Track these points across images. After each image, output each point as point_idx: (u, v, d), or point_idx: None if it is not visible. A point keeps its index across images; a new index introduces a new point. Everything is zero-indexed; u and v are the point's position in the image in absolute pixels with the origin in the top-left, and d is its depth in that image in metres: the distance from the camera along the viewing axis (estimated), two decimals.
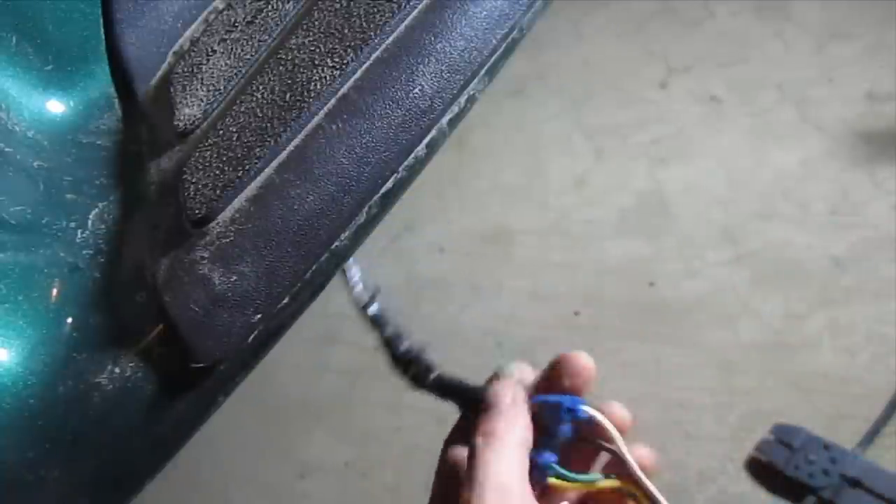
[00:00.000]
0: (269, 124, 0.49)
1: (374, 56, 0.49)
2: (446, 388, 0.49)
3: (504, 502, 0.37)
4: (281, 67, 0.51)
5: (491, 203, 1.38)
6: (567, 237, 1.27)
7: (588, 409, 0.42)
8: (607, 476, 0.43)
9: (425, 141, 0.50)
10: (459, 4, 0.49)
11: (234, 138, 0.49)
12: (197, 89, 0.52)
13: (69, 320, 0.48)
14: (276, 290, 0.48)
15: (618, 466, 0.42)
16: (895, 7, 1.29)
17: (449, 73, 0.49)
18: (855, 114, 1.21)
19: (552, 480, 0.42)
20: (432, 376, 0.50)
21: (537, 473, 0.42)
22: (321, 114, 0.48)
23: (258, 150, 0.48)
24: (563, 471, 0.42)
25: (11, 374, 0.45)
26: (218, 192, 0.48)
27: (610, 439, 0.42)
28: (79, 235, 0.50)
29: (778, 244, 1.12)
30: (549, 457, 0.42)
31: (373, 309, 0.53)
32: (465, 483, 0.39)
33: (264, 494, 1.20)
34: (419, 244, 1.38)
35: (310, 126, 0.48)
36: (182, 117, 0.52)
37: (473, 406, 0.45)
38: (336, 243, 0.50)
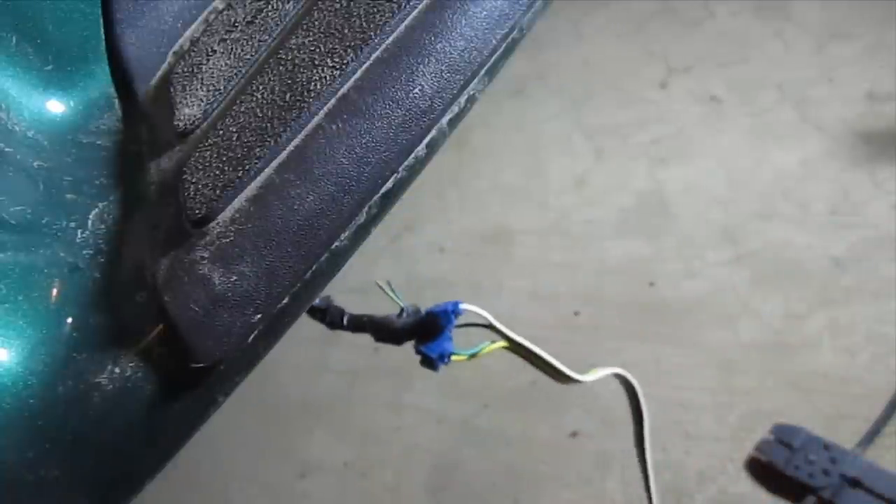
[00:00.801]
0: (269, 124, 0.49)
1: (374, 56, 0.49)
2: (357, 324, 0.66)
3: None
4: (281, 67, 0.50)
5: (491, 203, 1.38)
6: (567, 237, 1.27)
7: (464, 306, 0.61)
8: (491, 343, 0.63)
9: (425, 141, 0.50)
10: (459, 4, 0.49)
11: (234, 138, 0.49)
12: (197, 89, 0.52)
13: (69, 320, 0.48)
14: (276, 290, 0.48)
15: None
16: (895, 7, 1.29)
17: (449, 73, 0.49)
18: (855, 114, 1.21)
19: (454, 358, 0.60)
20: (345, 318, 0.67)
21: (442, 359, 0.59)
22: (321, 114, 0.48)
23: (258, 150, 0.48)
24: (460, 350, 0.61)
25: (11, 374, 0.45)
26: (218, 192, 0.48)
27: (483, 319, 0.61)
28: (79, 235, 0.50)
29: (778, 244, 1.12)
30: (449, 345, 0.60)
31: None
32: None
33: (264, 494, 1.20)
34: (419, 244, 1.38)
35: (310, 126, 0.48)
36: (182, 117, 0.52)
37: (380, 334, 0.64)
38: (336, 243, 0.50)
